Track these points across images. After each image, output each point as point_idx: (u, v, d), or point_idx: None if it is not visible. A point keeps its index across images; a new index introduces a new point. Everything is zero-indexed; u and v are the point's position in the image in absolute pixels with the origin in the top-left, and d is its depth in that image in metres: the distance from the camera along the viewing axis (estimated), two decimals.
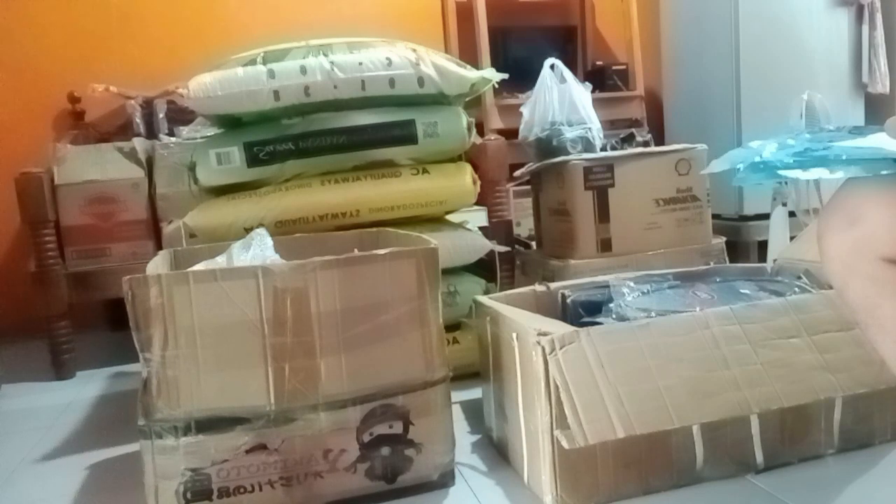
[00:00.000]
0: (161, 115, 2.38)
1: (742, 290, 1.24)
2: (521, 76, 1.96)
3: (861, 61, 2.42)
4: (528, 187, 2.07)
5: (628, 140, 1.96)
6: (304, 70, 1.51)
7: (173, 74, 2.30)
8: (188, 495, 0.99)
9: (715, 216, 1.93)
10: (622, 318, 1.15)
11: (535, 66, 1.89)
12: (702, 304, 1.18)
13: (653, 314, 1.12)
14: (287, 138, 1.55)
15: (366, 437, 1.04)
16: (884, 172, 0.64)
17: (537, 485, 1.03)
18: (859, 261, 0.61)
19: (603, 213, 1.70)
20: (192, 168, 1.55)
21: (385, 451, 1.05)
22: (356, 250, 1.11)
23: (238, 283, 0.99)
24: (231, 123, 1.60)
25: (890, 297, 0.61)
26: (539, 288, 1.33)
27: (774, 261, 1.42)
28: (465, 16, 2.90)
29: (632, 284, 1.26)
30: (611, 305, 1.20)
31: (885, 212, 0.60)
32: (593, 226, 1.70)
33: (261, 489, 1.01)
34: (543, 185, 1.88)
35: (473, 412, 1.38)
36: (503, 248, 1.79)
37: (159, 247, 1.97)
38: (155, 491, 0.98)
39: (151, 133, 2.33)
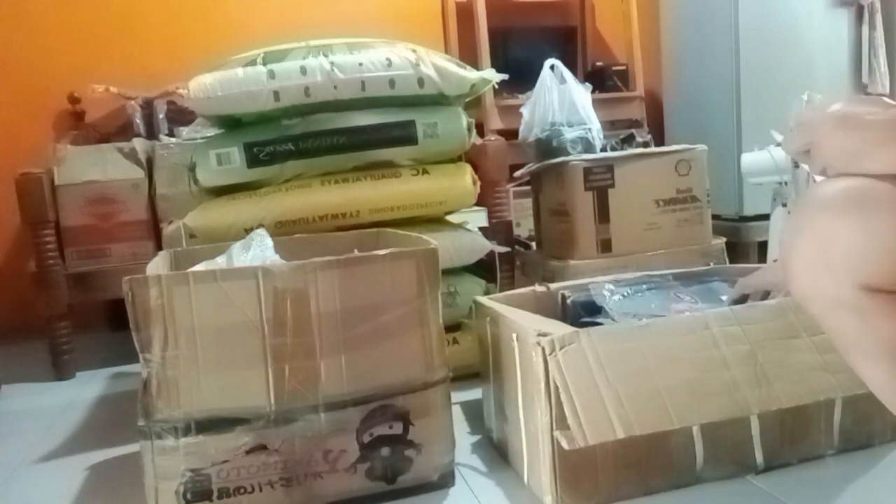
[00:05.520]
0: (161, 116, 2.38)
1: (722, 296, 1.23)
2: (521, 77, 1.95)
3: (861, 61, 2.42)
4: (528, 188, 2.07)
5: (628, 141, 1.96)
6: (304, 71, 1.51)
7: (173, 75, 2.30)
8: (188, 496, 0.99)
9: (715, 216, 1.93)
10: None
11: (535, 66, 1.89)
12: (682, 306, 1.18)
13: (640, 317, 1.12)
14: (287, 139, 1.55)
15: (366, 438, 1.04)
16: None
17: (537, 485, 1.03)
18: (837, 292, 0.58)
19: (603, 213, 1.70)
20: (192, 169, 1.55)
21: (385, 451, 1.05)
22: (356, 251, 1.11)
23: (238, 283, 0.99)
24: (231, 124, 1.60)
25: (872, 324, 0.58)
26: (539, 288, 1.33)
27: (774, 261, 1.42)
28: (465, 16, 2.90)
29: (612, 287, 1.26)
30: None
31: (859, 234, 0.57)
32: (593, 226, 1.70)
33: (261, 490, 1.01)
34: (543, 185, 1.88)
35: (473, 413, 1.38)
36: (503, 249, 1.79)
37: (159, 247, 1.97)
38: (155, 491, 0.98)
39: (151, 133, 2.33)
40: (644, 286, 1.28)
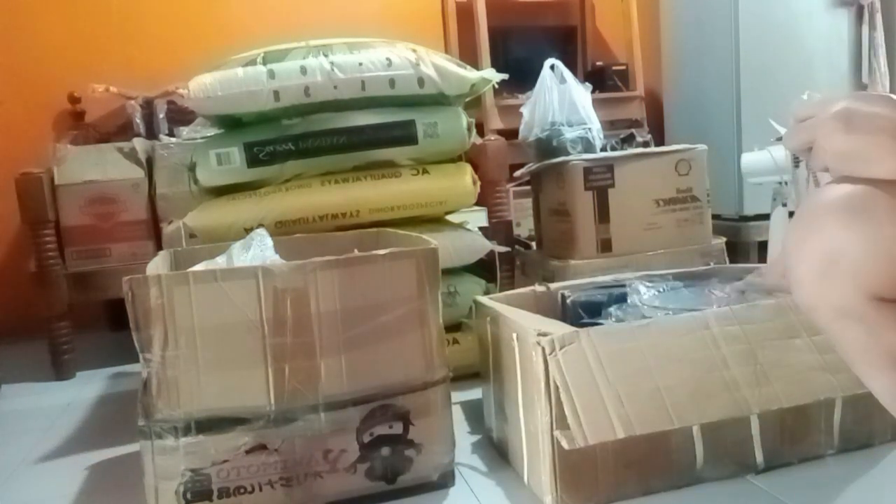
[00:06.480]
0: (161, 116, 2.38)
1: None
2: (521, 76, 1.96)
3: (861, 61, 2.42)
4: (528, 187, 2.07)
5: (628, 140, 1.96)
6: (304, 70, 1.51)
7: (173, 74, 2.30)
8: (188, 496, 0.99)
9: (715, 216, 1.93)
10: (621, 320, 1.15)
11: (535, 66, 1.88)
12: (718, 302, 1.17)
13: (669, 313, 1.12)
14: (287, 139, 1.55)
15: (366, 438, 1.04)
16: None
17: (537, 485, 1.03)
18: (843, 301, 0.56)
19: (603, 213, 1.70)
20: (192, 168, 1.55)
21: (385, 451, 1.05)
22: (356, 250, 1.11)
23: (238, 283, 0.99)
24: (231, 124, 1.60)
25: (879, 334, 0.56)
26: (539, 288, 1.33)
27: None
28: (465, 16, 2.90)
29: (648, 283, 1.26)
30: (610, 310, 1.19)
31: (864, 243, 0.55)
32: (593, 226, 1.70)
33: (261, 489, 1.01)
34: (543, 185, 1.88)
35: (473, 412, 1.38)
36: (503, 249, 1.79)
37: (159, 247, 1.97)
38: (155, 491, 0.98)
39: (151, 133, 2.33)
40: (681, 284, 1.27)
